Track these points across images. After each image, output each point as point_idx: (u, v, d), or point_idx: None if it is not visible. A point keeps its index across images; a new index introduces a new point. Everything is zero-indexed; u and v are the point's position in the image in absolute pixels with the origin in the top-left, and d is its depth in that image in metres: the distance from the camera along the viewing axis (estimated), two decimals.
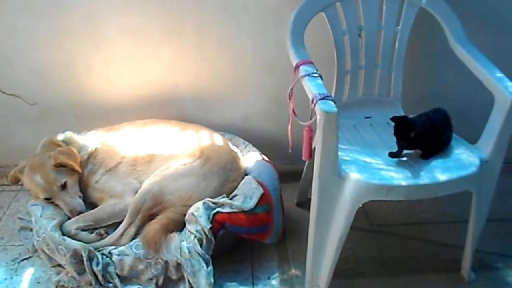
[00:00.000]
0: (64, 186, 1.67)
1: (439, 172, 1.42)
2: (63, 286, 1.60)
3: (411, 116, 1.54)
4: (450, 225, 1.87)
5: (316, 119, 1.33)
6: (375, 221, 1.90)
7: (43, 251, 1.65)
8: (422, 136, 1.45)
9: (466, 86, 1.74)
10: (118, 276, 1.56)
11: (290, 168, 2.02)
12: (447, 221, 1.90)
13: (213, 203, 1.63)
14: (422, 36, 1.80)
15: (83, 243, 1.57)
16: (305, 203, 1.95)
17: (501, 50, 1.75)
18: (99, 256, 1.55)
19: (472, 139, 1.55)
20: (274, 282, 1.64)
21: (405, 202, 1.41)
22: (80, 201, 1.70)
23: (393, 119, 1.47)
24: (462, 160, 1.48)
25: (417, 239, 1.82)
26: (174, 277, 1.58)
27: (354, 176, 1.37)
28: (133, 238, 1.62)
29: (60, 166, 1.66)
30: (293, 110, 1.51)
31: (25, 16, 1.82)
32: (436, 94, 1.96)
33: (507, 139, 1.45)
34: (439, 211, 1.93)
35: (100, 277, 1.54)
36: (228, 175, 1.73)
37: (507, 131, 1.43)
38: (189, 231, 1.57)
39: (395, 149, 1.51)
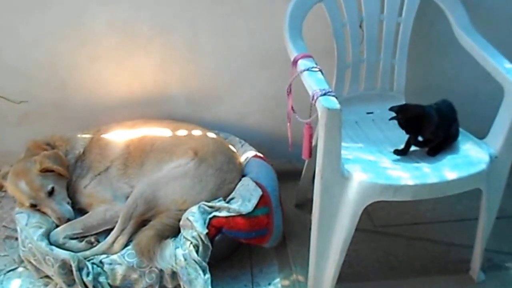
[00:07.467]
0: (51, 193, 1.62)
1: (447, 170, 1.36)
2: None
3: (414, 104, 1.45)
4: (456, 224, 1.83)
5: (316, 116, 1.26)
6: (378, 222, 1.85)
7: (30, 262, 1.59)
8: (436, 130, 1.38)
9: (471, 78, 1.70)
10: (111, 286, 1.50)
11: (289, 167, 1.98)
12: (453, 219, 1.86)
13: (209, 207, 1.58)
14: (426, 26, 1.76)
15: (72, 253, 1.51)
16: (304, 204, 1.90)
17: (507, 39, 1.68)
18: (90, 266, 1.50)
19: (478, 134, 1.50)
20: None
21: (409, 201, 1.37)
22: (69, 207, 1.66)
23: (392, 109, 1.40)
24: (470, 157, 1.42)
25: (422, 240, 1.78)
26: (169, 286, 1.53)
27: (358, 176, 1.31)
28: (126, 245, 1.56)
29: (46, 171, 1.61)
30: (292, 107, 1.45)
31: (7, 12, 1.74)
32: (440, 86, 1.91)
33: None
34: (444, 210, 1.89)
35: None
36: (224, 177, 1.67)
37: None
38: (184, 237, 1.52)
39: (399, 145, 1.46)
